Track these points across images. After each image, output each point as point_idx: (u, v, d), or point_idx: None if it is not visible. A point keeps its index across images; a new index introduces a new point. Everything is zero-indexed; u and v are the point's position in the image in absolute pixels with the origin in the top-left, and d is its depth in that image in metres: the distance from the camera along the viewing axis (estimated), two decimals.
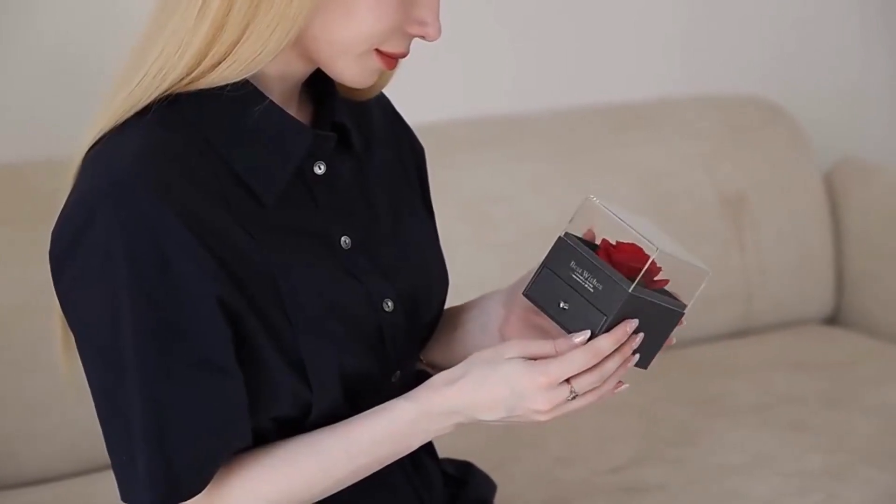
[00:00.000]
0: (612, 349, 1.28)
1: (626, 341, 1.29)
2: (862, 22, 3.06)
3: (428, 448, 1.51)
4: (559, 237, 1.32)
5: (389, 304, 1.36)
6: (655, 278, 1.31)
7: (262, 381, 1.28)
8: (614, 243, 1.31)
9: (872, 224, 2.77)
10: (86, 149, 1.29)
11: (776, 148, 2.75)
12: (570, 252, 1.30)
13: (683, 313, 1.33)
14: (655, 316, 1.31)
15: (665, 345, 1.34)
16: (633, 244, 1.30)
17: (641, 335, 1.30)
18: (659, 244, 1.29)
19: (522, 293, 1.34)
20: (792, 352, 2.58)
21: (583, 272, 1.29)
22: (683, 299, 1.34)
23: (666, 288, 1.33)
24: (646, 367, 1.34)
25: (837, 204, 2.81)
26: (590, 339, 1.28)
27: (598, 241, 1.33)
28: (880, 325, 2.72)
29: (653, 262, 1.29)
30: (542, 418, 1.29)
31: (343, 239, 1.35)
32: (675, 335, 1.36)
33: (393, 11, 1.27)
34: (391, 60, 1.31)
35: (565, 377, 1.27)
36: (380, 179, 1.43)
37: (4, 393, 2.05)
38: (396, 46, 1.30)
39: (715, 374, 2.45)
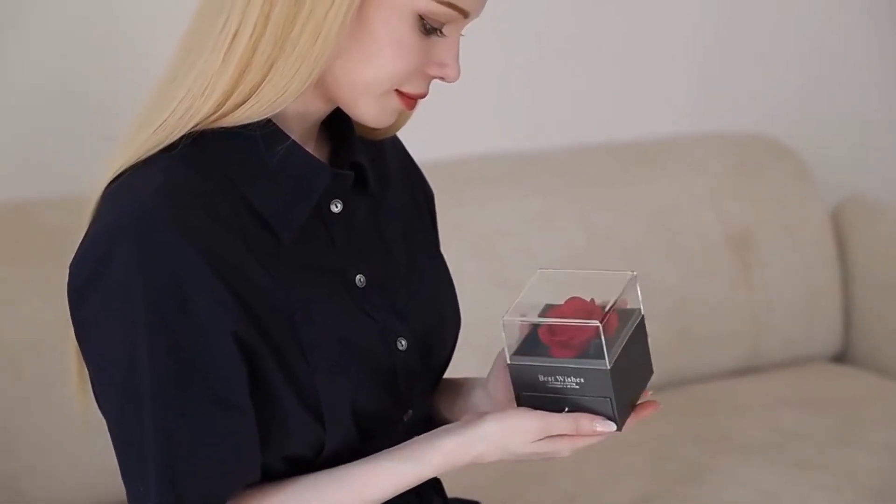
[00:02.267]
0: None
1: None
2: (868, 61, 3.07)
3: (436, 487, 1.51)
4: (509, 365, 1.31)
5: (403, 342, 1.37)
6: (612, 327, 1.30)
7: (274, 418, 1.28)
8: (545, 326, 1.30)
9: (879, 261, 2.76)
10: (105, 184, 1.30)
11: (783, 186, 2.76)
12: (529, 370, 1.30)
13: (643, 314, 1.33)
14: (634, 343, 1.31)
15: None
16: (563, 308, 1.31)
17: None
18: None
19: None
20: (799, 389, 2.58)
21: (557, 378, 1.29)
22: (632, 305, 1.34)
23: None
24: (651, 373, 1.37)
25: (844, 242, 2.82)
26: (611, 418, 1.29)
27: (535, 326, 1.32)
28: (888, 363, 2.71)
29: (597, 309, 1.29)
30: None
31: (358, 277, 1.36)
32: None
33: (414, 53, 1.28)
34: (410, 101, 1.32)
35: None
36: (394, 219, 1.44)
37: (14, 430, 2.05)
38: (416, 88, 1.31)
39: (722, 412, 2.45)
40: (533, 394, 1.30)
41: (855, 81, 3.06)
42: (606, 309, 1.29)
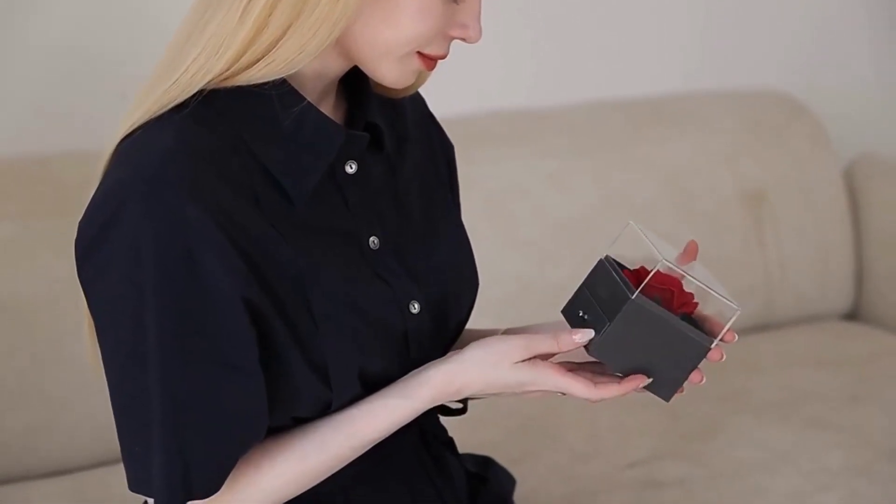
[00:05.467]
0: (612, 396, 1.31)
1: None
2: (883, 18, 3.05)
3: (449, 444, 1.51)
4: (599, 259, 1.33)
5: (416, 306, 1.36)
6: (681, 305, 1.30)
7: (282, 381, 1.28)
8: (638, 269, 1.32)
9: (892, 219, 2.76)
10: (117, 140, 1.29)
11: (796, 144, 2.75)
12: (602, 271, 1.32)
13: (709, 347, 1.30)
14: (673, 341, 1.29)
15: (692, 381, 1.32)
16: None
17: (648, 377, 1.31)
18: (690, 272, 1.29)
19: (561, 311, 1.35)
20: (812, 347, 2.58)
21: (604, 287, 1.30)
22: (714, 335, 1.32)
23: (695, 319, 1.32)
24: (668, 400, 1.33)
25: (857, 199, 2.81)
26: (591, 339, 1.28)
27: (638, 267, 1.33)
28: None
29: (681, 288, 1.29)
30: None
31: (371, 239, 1.35)
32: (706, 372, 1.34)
33: (437, 16, 1.27)
34: (431, 62, 1.31)
35: (554, 391, 1.31)
36: (411, 181, 1.43)
37: (27, 386, 2.06)
38: (437, 49, 1.30)
39: (735, 370, 2.44)
40: (585, 290, 1.31)
41: (869, 39, 3.04)
42: (695, 294, 1.29)
